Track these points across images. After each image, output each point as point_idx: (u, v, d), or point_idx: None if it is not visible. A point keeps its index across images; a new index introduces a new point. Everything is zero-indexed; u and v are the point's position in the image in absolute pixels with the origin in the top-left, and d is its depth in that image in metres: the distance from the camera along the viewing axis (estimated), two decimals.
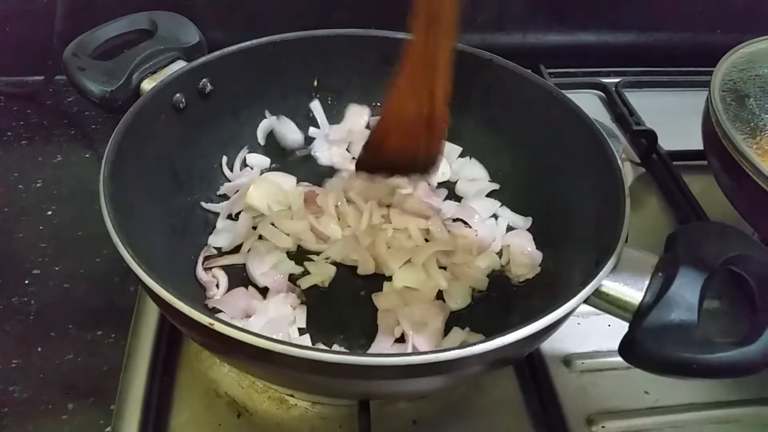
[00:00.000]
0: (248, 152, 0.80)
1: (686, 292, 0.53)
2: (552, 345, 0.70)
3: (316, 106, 0.83)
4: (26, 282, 0.72)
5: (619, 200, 0.59)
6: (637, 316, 0.53)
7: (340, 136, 0.82)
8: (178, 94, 0.71)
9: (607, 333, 0.69)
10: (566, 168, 0.71)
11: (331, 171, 0.81)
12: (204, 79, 0.73)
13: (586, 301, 0.54)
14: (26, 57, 0.97)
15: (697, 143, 0.81)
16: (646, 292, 0.54)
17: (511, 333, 0.49)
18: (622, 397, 0.67)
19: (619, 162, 0.63)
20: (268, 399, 0.64)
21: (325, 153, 0.82)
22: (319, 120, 0.83)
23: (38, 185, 0.83)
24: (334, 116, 0.84)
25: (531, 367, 0.69)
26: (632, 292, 0.54)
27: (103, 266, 0.73)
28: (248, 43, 0.75)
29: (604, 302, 0.55)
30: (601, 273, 0.53)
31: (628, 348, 0.53)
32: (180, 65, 0.73)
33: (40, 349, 0.66)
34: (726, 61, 0.81)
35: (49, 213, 0.80)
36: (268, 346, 0.45)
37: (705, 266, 0.54)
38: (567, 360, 0.70)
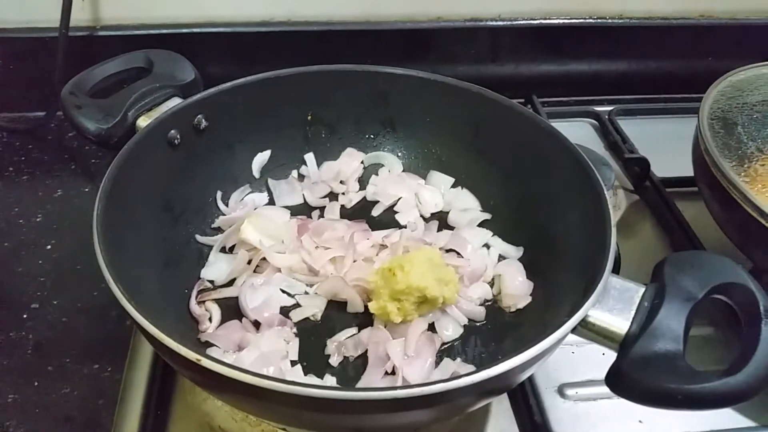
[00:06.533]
0: (249, 191, 0.81)
1: (672, 322, 0.53)
2: (546, 374, 0.71)
3: (310, 158, 0.84)
4: (24, 316, 0.73)
5: (605, 231, 0.60)
6: (623, 346, 0.54)
7: (330, 176, 0.83)
8: (173, 131, 0.72)
9: (601, 362, 0.68)
10: (555, 198, 0.72)
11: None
12: (199, 116, 0.75)
13: (573, 332, 0.54)
14: (28, 93, 0.99)
15: (689, 170, 0.82)
16: (632, 322, 0.54)
17: (498, 365, 0.49)
18: (616, 427, 0.67)
19: (606, 192, 0.64)
20: None
21: (312, 193, 0.83)
22: (310, 171, 0.84)
23: (38, 220, 0.85)
24: (328, 149, 0.85)
25: (525, 397, 0.69)
26: (618, 322, 0.55)
27: (100, 300, 0.74)
28: (242, 79, 0.77)
29: (590, 332, 0.55)
30: (586, 304, 0.54)
31: (614, 378, 0.54)
32: (175, 102, 0.75)
33: (36, 383, 0.67)
34: (714, 89, 0.82)
35: (49, 247, 0.81)
36: (254, 382, 0.46)
37: (690, 295, 0.55)
38: (561, 389, 0.70)
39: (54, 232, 0.83)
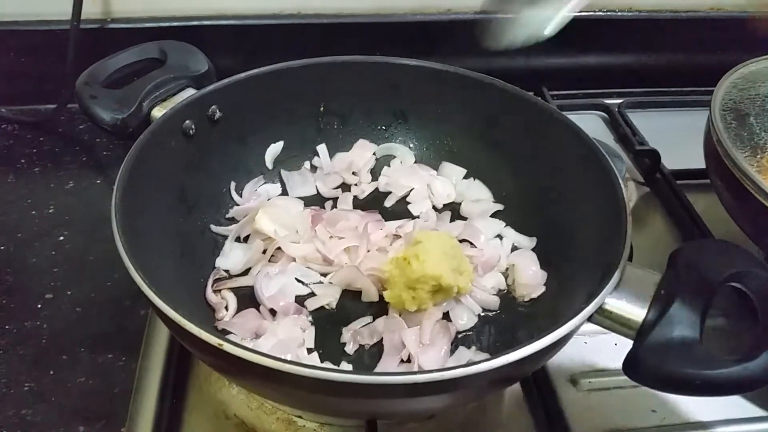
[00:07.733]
0: (262, 182, 0.81)
1: (688, 309, 0.53)
2: (559, 364, 0.71)
3: (322, 149, 0.84)
4: (39, 306, 0.73)
5: (621, 219, 0.60)
6: (640, 333, 0.54)
7: (342, 167, 0.84)
8: (187, 121, 0.72)
9: (614, 352, 0.69)
10: (569, 188, 0.72)
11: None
12: (213, 106, 0.75)
13: (589, 320, 0.54)
14: (39, 86, 0.99)
15: (700, 162, 0.82)
16: (648, 310, 0.54)
17: (515, 351, 0.49)
18: (630, 416, 0.67)
19: (621, 181, 0.64)
20: (276, 420, 0.64)
21: (325, 183, 0.83)
22: (323, 162, 0.84)
23: (50, 211, 0.85)
24: (340, 140, 0.85)
25: (538, 386, 0.69)
26: (635, 309, 0.55)
27: (113, 290, 0.74)
28: (256, 70, 0.77)
29: (607, 320, 0.55)
30: (603, 291, 0.54)
31: (631, 365, 0.54)
32: (190, 93, 0.75)
33: (52, 373, 0.67)
34: (726, 80, 0.82)
35: (61, 238, 0.81)
36: (275, 366, 0.46)
37: (707, 283, 0.55)
38: (574, 379, 0.70)
39: (66, 223, 0.83)
